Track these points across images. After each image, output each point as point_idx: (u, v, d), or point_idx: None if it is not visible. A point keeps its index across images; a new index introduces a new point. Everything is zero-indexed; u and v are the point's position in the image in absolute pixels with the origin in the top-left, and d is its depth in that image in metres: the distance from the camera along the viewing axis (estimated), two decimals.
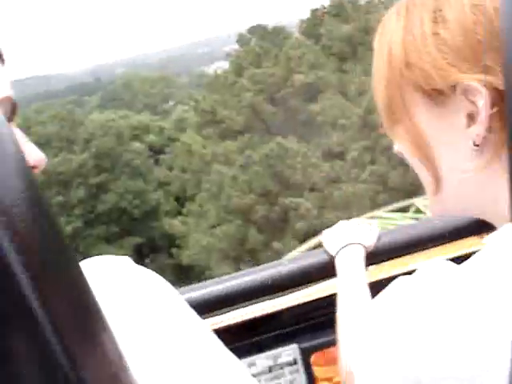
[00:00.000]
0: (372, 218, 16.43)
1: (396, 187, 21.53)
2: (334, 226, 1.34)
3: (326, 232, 1.35)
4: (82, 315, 0.37)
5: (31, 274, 0.30)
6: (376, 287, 0.99)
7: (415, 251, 1.42)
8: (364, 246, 1.24)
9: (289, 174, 25.54)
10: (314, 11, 43.43)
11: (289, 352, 1.44)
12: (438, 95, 0.66)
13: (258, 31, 44.58)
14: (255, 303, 1.44)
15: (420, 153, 0.71)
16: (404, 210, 17.91)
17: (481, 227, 1.28)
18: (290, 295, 1.47)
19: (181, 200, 34.78)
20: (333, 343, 1.25)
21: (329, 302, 1.33)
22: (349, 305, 1.10)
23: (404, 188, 21.44)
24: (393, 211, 17.22)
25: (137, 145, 41.21)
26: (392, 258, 1.41)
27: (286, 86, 31.66)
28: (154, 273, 0.71)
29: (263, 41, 40.34)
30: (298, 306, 1.48)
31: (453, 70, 0.64)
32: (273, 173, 25.86)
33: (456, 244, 1.42)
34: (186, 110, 51.97)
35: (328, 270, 1.28)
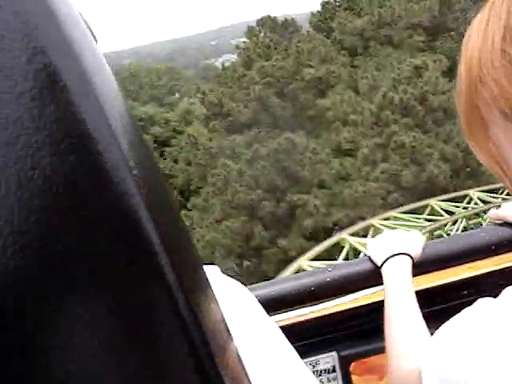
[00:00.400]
0: (386, 219, 15.87)
1: (409, 186, 20.85)
2: (379, 236, 1.32)
3: (371, 241, 1.33)
4: (202, 282, 0.39)
5: (160, 235, 0.32)
6: (421, 296, 1.07)
7: (460, 263, 1.41)
8: (411, 257, 1.21)
9: (297, 170, 24.97)
10: (324, 4, 42.88)
11: (327, 359, 1.45)
12: (506, 114, 0.65)
13: (268, 23, 43.94)
14: (296, 309, 1.42)
15: (498, 167, 0.70)
16: (418, 211, 17.29)
17: None
18: (330, 302, 1.44)
19: (185, 194, 34.34)
20: (373, 352, 1.35)
21: (370, 311, 1.37)
22: (398, 317, 1.08)
23: (417, 187, 20.80)
24: (407, 212, 16.59)
25: None
26: (437, 270, 1.39)
27: (295, 79, 31.08)
28: (239, 283, 0.74)
29: (273, 33, 39.76)
30: (339, 313, 1.46)
31: None
32: (280, 168, 25.31)
33: (502, 257, 1.40)
34: (193, 102, 51.57)
35: (372, 279, 1.26)
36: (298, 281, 1.36)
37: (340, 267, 1.40)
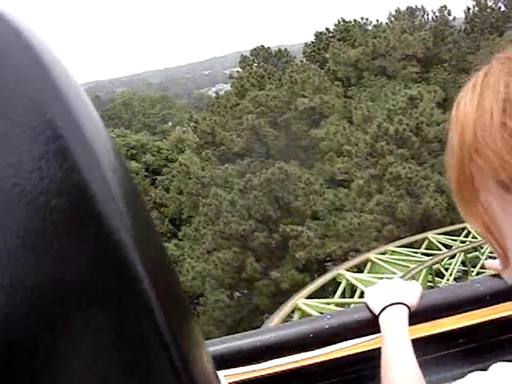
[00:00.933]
0: (383, 253, 15.44)
1: (404, 219, 20.45)
2: (377, 284, 1.33)
3: (369, 289, 1.34)
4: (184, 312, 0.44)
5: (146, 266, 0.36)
6: (417, 345, 1.10)
7: (456, 313, 1.42)
8: (407, 306, 1.23)
9: (290, 201, 24.58)
10: (318, 34, 43.02)
11: None
12: (505, 184, 0.66)
13: (261, 53, 44.05)
14: (296, 355, 1.41)
15: (490, 235, 0.70)
16: (416, 244, 16.86)
17: None
18: (328, 348, 1.42)
19: (176, 223, 33.85)
20: None
21: (367, 358, 1.38)
22: (395, 362, 1.11)
23: (413, 220, 20.40)
24: (404, 246, 16.15)
25: (133, 164, 40.43)
26: (433, 319, 1.40)
27: (289, 109, 30.91)
28: None
29: (266, 63, 39.76)
30: (337, 359, 1.45)
31: None
32: (273, 198, 24.92)
33: (496, 307, 1.41)
34: (185, 130, 51.36)
35: (370, 327, 1.27)
36: (297, 327, 1.38)
37: (338, 315, 1.42)
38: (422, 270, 12.98)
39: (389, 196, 20.57)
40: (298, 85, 30.84)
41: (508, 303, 1.39)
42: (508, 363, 0.70)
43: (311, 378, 1.49)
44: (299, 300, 11.26)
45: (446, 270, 15.34)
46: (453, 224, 20.56)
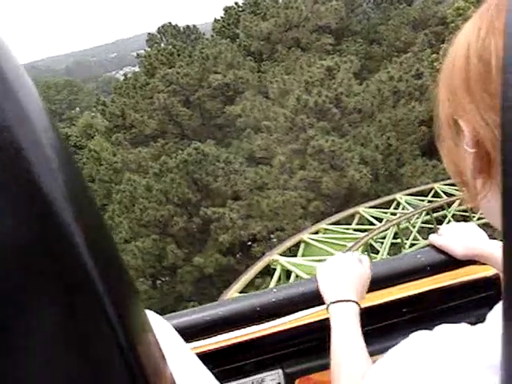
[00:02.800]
0: (315, 232, 14.56)
1: (330, 193, 19.63)
2: (330, 262, 1.34)
3: (322, 268, 1.34)
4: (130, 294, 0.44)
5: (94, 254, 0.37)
6: (363, 314, 1.15)
7: (401, 283, 1.50)
8: (358, 304, 1.22)
9: (209, 182, 23.38)
10: (227, 9, 41.68)
11: (273, 377, 1.49)
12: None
13: (169, 31, 42.28)
14: (242, 328, 1.45)
15: (458, 177, 0.72)
16: (347, 220, 16.09)
17: (460, 262, 1.44)
18: (275, 320, 1.45)
19: None
20: (317, 369, 1.44)
21: (313, 329, 1.43)
22: (344, 345, 1.11)
23: (339, 194, 19.64)
24: (335, 223, 15.29)
25: None
26: (380, 289, 1.47)
27: (201, 86, 29.57)
28: (152, 312, 0.79)
29: (175, 40, 38.14)
30: (283, 331, 1.47)
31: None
32: (191, 181, 23.66)
33: (437, 277, 1.50)
34: (94, 115, 49.12)
35: (316, 300, 1.30)
36: (245, 301, 1.43)
37: (284, 289, 1.46)
38: (358, 248, 12.24)
39: (312, 171, 19.63)
40: (210, 61, 29.53)
41: (448, 273, 1.49)
42: (452, 324, 0.72)
43: (258, 351, 1.48)
44: (234, 295, 10.17)
45: (379, 244, 14.71)
46: (378, 196, 20.04)
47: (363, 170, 19.22)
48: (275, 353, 1.49)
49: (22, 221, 0.34)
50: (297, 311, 1.43)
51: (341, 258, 1.35)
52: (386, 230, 14.75)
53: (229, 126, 28.66)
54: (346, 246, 12.74)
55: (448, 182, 16.94)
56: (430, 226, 16.58)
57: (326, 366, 1.13)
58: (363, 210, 15.81)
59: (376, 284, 1.40)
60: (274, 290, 1.45)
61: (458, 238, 1.44)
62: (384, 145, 20.39)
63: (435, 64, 24.93)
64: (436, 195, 18.06)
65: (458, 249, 1.42)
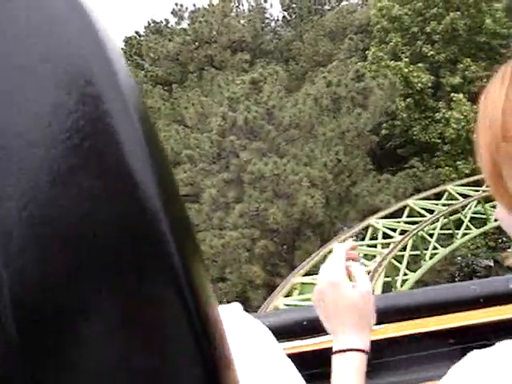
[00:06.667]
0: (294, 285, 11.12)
1: (279, 228, 15.83)
2: (321, 287, 1.06)
3: (316, 295, 1.08)
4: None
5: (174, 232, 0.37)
6: (409, 342, 1.21)
7: (447, 313, 1.53)
8: (367, 353, 1.06)
9: None
10: (128, 40, 38.17)
11: None
12: None
13: None
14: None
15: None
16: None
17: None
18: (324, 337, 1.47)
19: None
20: None
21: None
22: None
23: (290, 227, 15.88)
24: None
25: None
26: (420, 318, 1.50)
27: None
28: (259, 322, 0.83)
29: None
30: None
31: None
32: None
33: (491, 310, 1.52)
34: None
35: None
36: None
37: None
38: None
39: (253, 203, 15.79)
40: None
41: (504, 307, 1.45)
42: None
43: (315, 364, 1.45)
44: None
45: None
46: (333, 224, 16.59)
47: (315, 195, 15.57)
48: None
49: (114, 199, 0.35)
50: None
51: (330, 287, 1.07)
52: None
53: None
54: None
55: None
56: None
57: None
58: (375, 221, 14.48)
59: (430, 311, 1.48)
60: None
61: None
62: (333, 161, 16.92)
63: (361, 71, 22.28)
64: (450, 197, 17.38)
65: None
